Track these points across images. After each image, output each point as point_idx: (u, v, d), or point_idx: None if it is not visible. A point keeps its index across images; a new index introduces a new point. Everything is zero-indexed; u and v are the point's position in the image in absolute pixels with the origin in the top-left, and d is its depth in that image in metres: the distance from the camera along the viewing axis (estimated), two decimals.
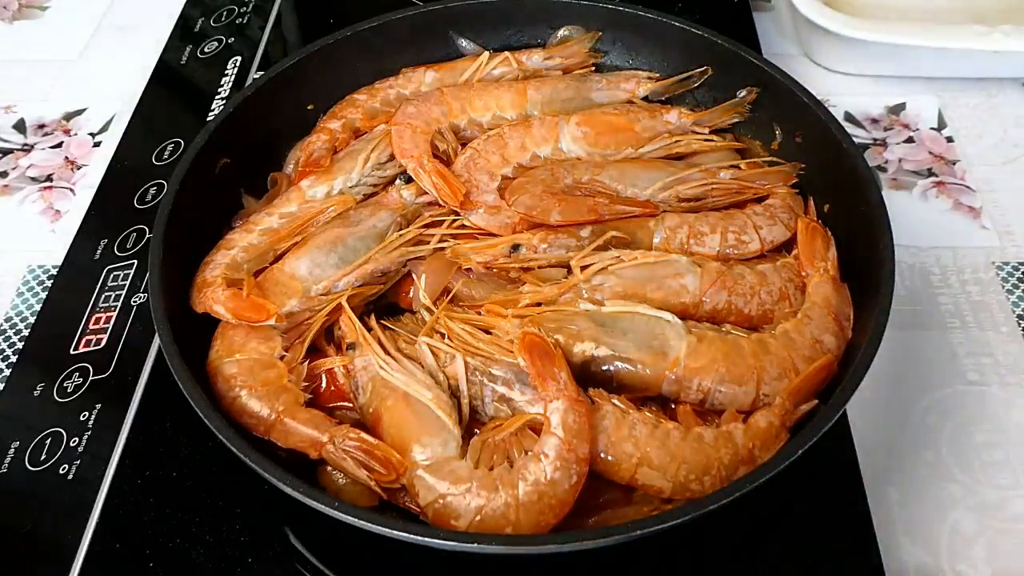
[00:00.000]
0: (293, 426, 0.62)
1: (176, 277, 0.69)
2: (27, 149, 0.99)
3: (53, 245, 0.88)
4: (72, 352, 0.76)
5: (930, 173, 0.92)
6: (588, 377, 0.63)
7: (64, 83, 1.07)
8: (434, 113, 0.81)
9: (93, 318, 0.79)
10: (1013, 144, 0.95)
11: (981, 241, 0.85)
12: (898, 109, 0.99)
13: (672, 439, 0.59)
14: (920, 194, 0.90)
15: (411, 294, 0.72)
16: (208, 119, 0.97)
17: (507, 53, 0.87)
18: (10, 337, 0.80)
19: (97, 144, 1.00)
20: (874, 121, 0.98)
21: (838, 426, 0.67)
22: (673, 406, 0.64)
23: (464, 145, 0.80)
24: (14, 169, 0.97)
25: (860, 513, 0.65)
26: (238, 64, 1.05)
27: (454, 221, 0.75)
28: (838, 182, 0.73)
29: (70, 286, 0.82)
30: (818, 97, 0.77)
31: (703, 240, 0.72)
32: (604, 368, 0.63)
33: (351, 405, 0.66)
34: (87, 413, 0.72)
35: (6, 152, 0.99)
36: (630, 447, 0.59)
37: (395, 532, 0.53)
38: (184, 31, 1.11)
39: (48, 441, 0.70)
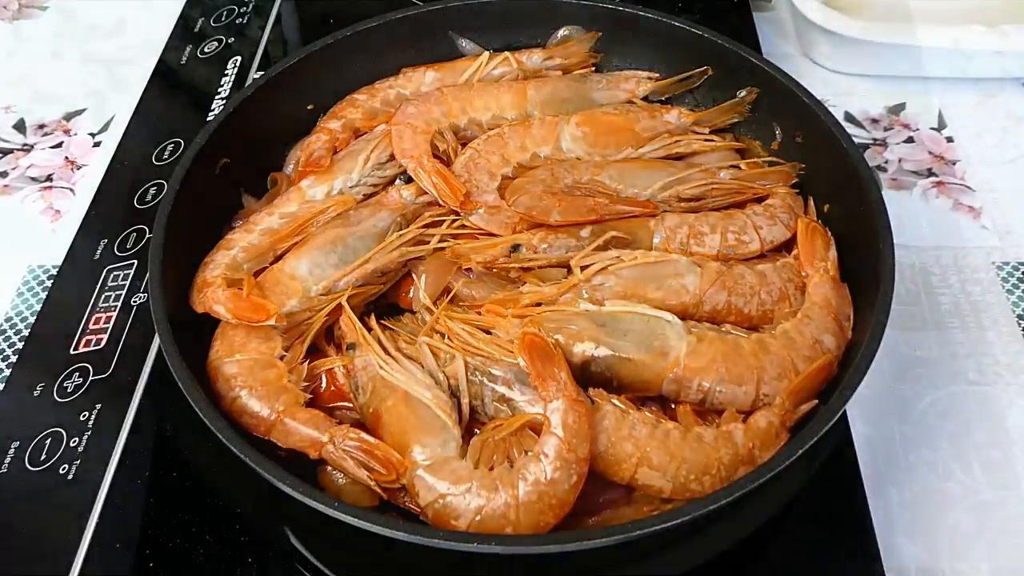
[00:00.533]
0: (293, 426, 0.62)
1: (176, 277, 0.69)
2: (27, 149, 0.99)
3: (53, 245, 0.88)
4: (72, 352, 0.76)
5: (930, 173, 0.92)
6: (588, 377, 0.63)
7: (64, 83, 1.07)
8: (434, 113, 0.81)
9: (93, 318, 0.79)
10: (1013, 144, 0.95)
11: (981, 241, 0.85)
12: (898, 109, 0.99)
13: (672, 439, 0.59)
14: (920, 194, 0.90)
15: (411, 294, 0.72)
16: (208, 119, 0.97)
17: (507, 53, 0.87)
18: (10, 337, 0.80)
19: (97, 144, 1.00)
20: (874, 121, 0.98)
21: (838, 426, 0.67)
22: (673, 406, 0.64)
23: (464, 145, 0.80)
24: (14, 169, 0.97)
25: (860, 513, 0.65)
26: (238, 64, 1.05)
27: (454, 221, 0.75)
28: (838, 182, 0.73)
29: (70, 286, 0.82)
30: (818, 97, 0.77)
31: (703, 240, 0.71)
32: (604, 368, 0.63)
33: (351, 405, 0.66)
34: (87, 413, 0.72)
35: (6, 152, 0.99)
36: (630, 447, 0.59)
37: (395, 532, 0.53)
38: (184, 31, 1.11)
39: (48, 441, 0.70)
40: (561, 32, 0.90)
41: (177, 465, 0.69)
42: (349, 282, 0.70)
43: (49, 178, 0.96)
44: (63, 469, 0.68)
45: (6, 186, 0.95)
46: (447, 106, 0.82)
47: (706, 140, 0.81)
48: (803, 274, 0.69)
